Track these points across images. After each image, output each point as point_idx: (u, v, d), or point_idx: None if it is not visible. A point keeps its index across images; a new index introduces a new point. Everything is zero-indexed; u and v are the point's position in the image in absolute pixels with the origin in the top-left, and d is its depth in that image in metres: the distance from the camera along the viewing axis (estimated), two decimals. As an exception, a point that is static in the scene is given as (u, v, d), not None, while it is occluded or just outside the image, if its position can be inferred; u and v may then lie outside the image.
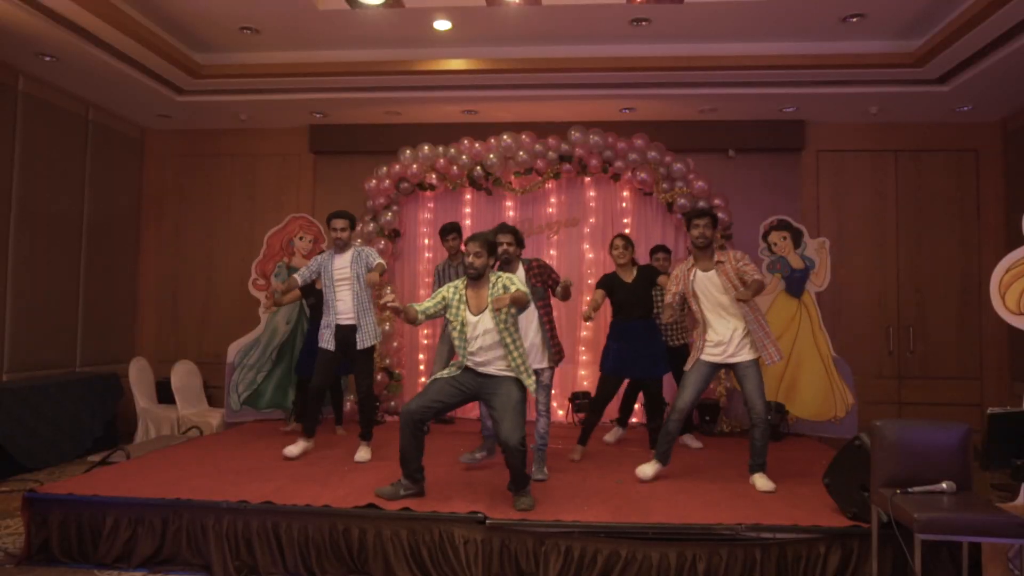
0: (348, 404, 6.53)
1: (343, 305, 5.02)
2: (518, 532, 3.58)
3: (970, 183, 7.21)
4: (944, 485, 3.11)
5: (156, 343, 7.76)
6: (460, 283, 4.03)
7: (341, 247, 5.07)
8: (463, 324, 3.93)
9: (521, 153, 6.85)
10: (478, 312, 3.90)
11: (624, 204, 7.23)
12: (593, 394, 5.49)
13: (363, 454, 5.03)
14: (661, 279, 5.09)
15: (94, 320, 7.03)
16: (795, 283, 6.43)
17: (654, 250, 6.08)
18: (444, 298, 4.00)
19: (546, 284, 4.68)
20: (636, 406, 6.12)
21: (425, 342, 7.29)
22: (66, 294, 6.70)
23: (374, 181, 7.07)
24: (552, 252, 7.23)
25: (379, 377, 6.92)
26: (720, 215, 6.72)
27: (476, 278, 3.95)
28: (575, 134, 6.80)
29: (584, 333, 7.08)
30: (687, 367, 4.52)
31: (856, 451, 3.61)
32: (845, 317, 7.18)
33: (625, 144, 6.82)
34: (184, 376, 7.01)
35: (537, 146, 6.86)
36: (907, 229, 7.25)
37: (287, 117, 7.39)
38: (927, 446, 3.22)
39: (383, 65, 6.20)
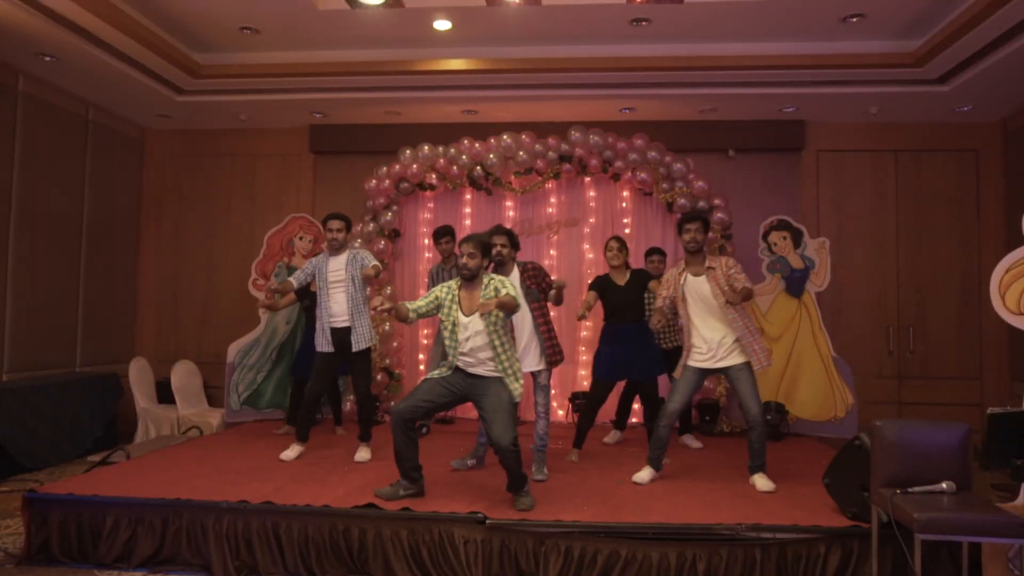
0: (348, 404, 6.54)
1: (337, 307, 5.00)
2: (518, 532, 3.58)
3: (970, 183, 7.21)
4: (944, 485, 3.11)
5: (156, 343, 7.76)
6: (454, 283, 4.03)
7: (336, 248, 5.05)
8: (454, 324, 3.94)
9: (521, 153, 6.85)
10: (470, 313, 3.90)
11: (624, 204, 7.23)
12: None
13: (363, 454, 5.03)
14: (652, 284, 5.08)
15: (94, 320, 7.03)
16: (795, 283, 6.43)
17: (649, 252, 6.08)
18: (437, 297, 4.00)
19: (540, 287, 4.67)
20: (635, 406, 6.12)
21: (425, 342, 7.29)
22: (66, 294, 6.70)
23: (374, 181, 7.07)
24: (552, 252, 7.23)
25: (379, 377, 6.92)
26: (720, 215, 6.73)
27: (470, 279, 3.95)
28: (575, 134, 6.80)
29: (584, 333, 7.07)
30: (676, 373, 4.53)
31: (856, 451, 3.61)
32: (845, 317, 7.18)
33: (625, 144, 6.82)
34: (184, 376, 7.01)
35: (537, 146, 6.86)
36: (907, 229, 7.25)
37: (287, 117, 7.39)
38: (927, 446, 3.22)
39: (383, 65, 6.20)
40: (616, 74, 6.19)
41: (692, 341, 4.43)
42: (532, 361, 4.57)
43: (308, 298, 5.79)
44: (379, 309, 3.93)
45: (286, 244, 7.13)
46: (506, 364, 3.90)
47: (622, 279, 5.20)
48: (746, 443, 4.46)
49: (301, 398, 5.41)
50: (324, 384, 5.09)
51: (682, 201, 6.70)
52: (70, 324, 6.76)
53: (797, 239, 6.50)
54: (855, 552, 3.48)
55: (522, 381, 3.96)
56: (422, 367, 7.24)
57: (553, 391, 7.04)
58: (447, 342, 3.97)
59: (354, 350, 5.01)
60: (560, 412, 7.01)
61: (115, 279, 7.42)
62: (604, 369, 5.18)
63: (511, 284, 3.91)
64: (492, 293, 3.87)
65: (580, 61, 6.10)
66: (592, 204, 7.25)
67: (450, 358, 3.96)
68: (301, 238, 7.11)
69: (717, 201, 6.76)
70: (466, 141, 6.97)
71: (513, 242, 4.58)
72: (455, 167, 6.99)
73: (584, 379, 6.99)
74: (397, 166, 7.03)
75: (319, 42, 6.10)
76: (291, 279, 5.05)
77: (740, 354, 4.35)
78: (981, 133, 7.17)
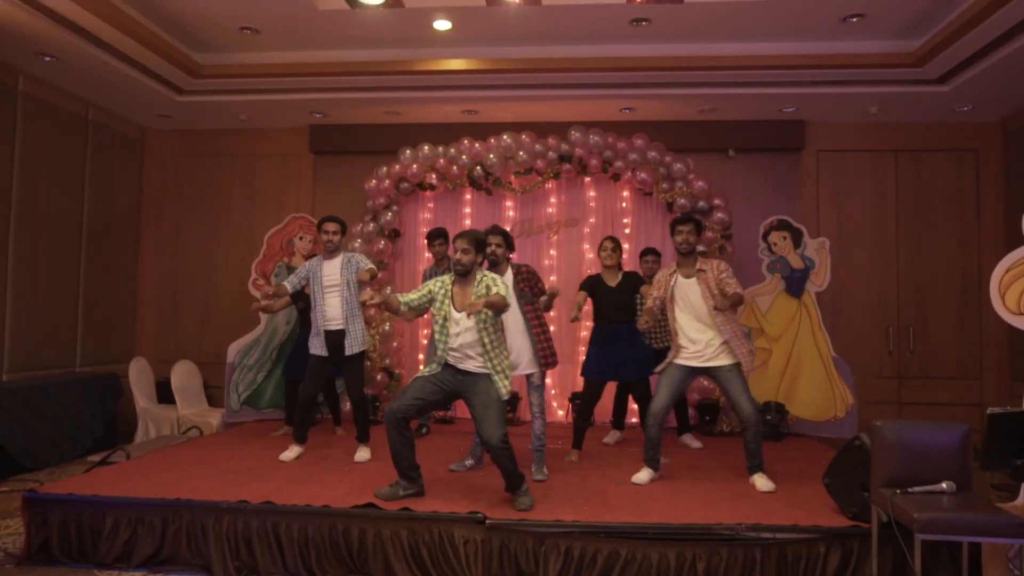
0: (347, 405, 6.53)
1: (332, 311, 5.00)
2: (518, 532, 3.58)
3: (970, 183, 7.21)
4: (944, 485, 3.10)
5: (156, 343, 7.76)
6: (447, 278, 4.04)
7: (331, 251, 5.05)
8: (445, 319, 3.95)
9: (521, 153, 6.85)
10: (462, 309, 3.90)
11: (624, 204, 7.23)
12: None
13: (363, 454, 5.04)
14: (644, 289, 5.09)
15: (94, 320, 7.03)
16: (795, 283, 6.43)
17: (644, 252, 6.09)
18: (430, 291, 4.01)
19: (533, 290, 4.68)
20: (633, 405, 6.12)
21: (424, 342, 7.28)
22: (66, 294, 6.70)
23: (374, 181, 7.07)
24: (552, 252, 7.23)
25: (379, 377, 6.93)
26: (720, 215, 6.73)
27: (463, 275, 3.96)
28: (575, 134, 6.80)
29: (584, 333, 7.06)
30: (658, 369, 4.54)
31: (856, 451, 3.61)
32: (845, 317, 7.18)
33: (625, 144, 6.82)
34: (184, 376, 7.01)
35: (537, 146, 6.86)
36: (907, 229, 7.25)
37: (287, 117, 7.39)
38: (927, 446, 3.22)
39: (383, 65, 6.20)
40: (616, 74, 6.19)
41: (679, 342, 4.44)
42: (524, 362, 4.57)
43: (303, 300, 5.79)
44: (369, 303, 3.95)
45: (286, 244, 7.13)
46: (495, 361, 3.90)
47: (613, 280, 5.21)
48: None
49: (296, 399, 5.41)
50: (317, 386, 5.08)
51: (682, 201, 6.70)
52: (70, 324, 6.76)
53: (797, 239, 6.50)
54: (855, 552, 3.48)
55: (511, 379, 3.97)
56: (422, 367, 7.22)
57: (553, 391, 7.09)
58: (437, 336, 3.98)
59: (347, 353, 5.00)
60: (560, 412, 7.02)
61: (115, 279, 7.42)
62: (593, 369, 5.18)
63: (503, 282, 3.92)
64: (483, 291, 3.88)
65: (580, 61, 6.10)
66: (592, 204, 7.25)
67: (439, 352, 3.97)
68: (301, 238, 7.11)
69: (717, 201, 6.76)
70: (466, 141, 6.97)
71: (508, 242, 4.61)
72: (455, 167, 6.99)
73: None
74: (397, 166, 7.03)
75: (319, 42, 6.10)
76: (285, 283, 5.04)
77: (728, 355, 4.35)
78: (981, 133, 7.17)
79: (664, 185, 6.84)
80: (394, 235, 7.21)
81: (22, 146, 6.10)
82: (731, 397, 4.37)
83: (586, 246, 7.19)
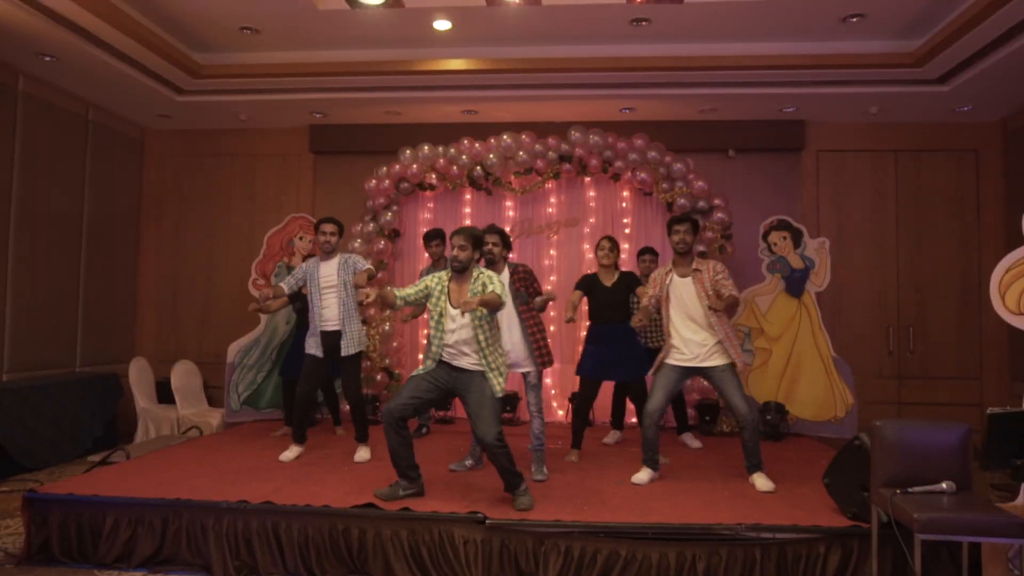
0: (346, 405, 6.53)
1: (329, 312, 5.00)
2: (518, 532, 3.58)
3: (970, 183, 7.21)
4: (944, 485, 3.10)
5: (156, 343, 7.76)
6: (444, 274, 4.05)
7: (328, 252, 5.05)
8: (441, 315, 3.96)
9: (521, 153, 6.85)
10: (457, 306, 3.91)
11: (624, 204, 7.23)
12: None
13: (362, 454, 5.04)
14: (639, 290, 5.09)
15: (94, 320, 7.03)
16: (795, 283, 6.43)
17: (641, 252, 6.09)
18: (427, 286, 4.02)
19: (529, 290, 4.68)
20: (631, 405, 6.12)
21: (424, 342, 7.26)
22: (66, 294, 6.70)
23: (374, 181, 7.07)
24: (552, 252, 7.23)
25: (379, 377, 6.93)
26: (720, 215, 6.73)
27: (460, 271, 3.96)
28: (575, 134, 6.80)
29: (583, 333, 7.05)
30: (652, 370, 4.54)
31: (856, 451, 3.61)
32: (845, 317, 7.18)
33: (625, 144, 6.82)
34: (184, 376, 7.01)
35: (537, 146, 6.86)
36: (907, 229, 7.25)
37: (287, 117, 7.39)
38: (927, 446, 3.22)
39: (383, 65, 6.20)
40: (616, 74, 6.19)
41: (672, 341, 4.44)
42: (519, 361, 4.58)
43: (300, 301, 5.78)
44: (366, 301, 3.95)
45: (286, 244, 7.13)
46: (489, 359, 3.91)
47: (609, 279, 5.21)
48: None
49: (293, 399, 5.41)
50: (313, 386, 5.07)
51: (682, 201, 6.70)
52: (70, 324, 6.76)
53: (797, 239, 6.50)
54: (855, 552, 3.48)
55: (505, 376, 3.97)
56: (421, 367, 7.23)
57: (553, 391, 7.09)
58: (432, 332, 3.99)
59: (343, 354, 5.00)
60: (560, 412, 7.02)
61: (115, 279, 7.42)
62: (587, 368, 5.18)
63: (499, 280, 3.92)
64: (480, 288, 3.89)
65: (580, 61, 6.10)
66: (592, 204, 7.25)
67: (434, 348, 3.97)
68: (301, 238, 7.11)
69: (717, 201, 6.76)
70: (466, 141, 6.97)
71: (505, 242, 4.62)
72: (455, 167, 6.99)
73: (584, 379, 6.99)
74: (397, 166, 7.04)
75: (319, 42, 6.10)
76: (282, 284, 5.02)
77: (722, 355, 4.35)
78: (981, 133, 7.17)
79: (664, 185, 6.84)
80: (394, 235, 7.21)
81: (22, 146, 6.10)
82: (726, 397, 4.38)
83: (586, 246, 7.19)
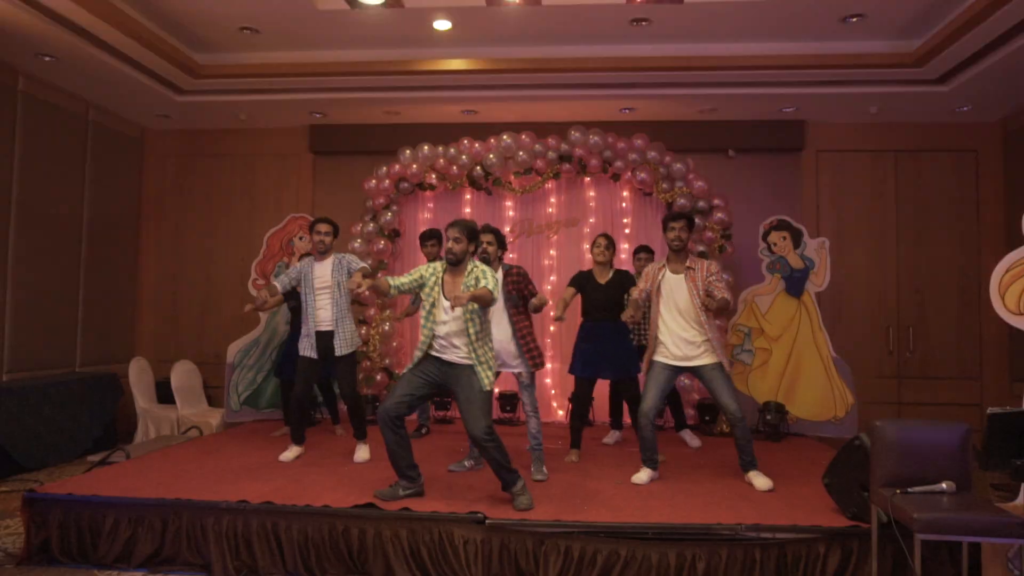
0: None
1: (323, 313, 4.99)
2: (518, 532, 3.58)
3: (970, 183, 7.21)
4: (944, 485, 3.11)
5: (156, 343, 7.76)
6: (439, 265, 4.05)
7: (322, 252, 5.04)
8: (433, 305, 3.96)
9: (521, 153, 6.85)
10: (449, 299, 3.90)
11: (624, 204, 7.23)
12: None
13: (362, 454, 5.03)
14: (633, 290, 5.09)
15: (94, 320, 7.03)
16: (795, 283, 6.43)
17: (637, 250, 6.09)
18: (422, 276, 4.02)
19: (521, 293, 4.68)
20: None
21: (425, 342, 7.28)
22: (66, 294, 6.70)
23: (374, 181, 7.07)
24: (552, 252, 7.23)
25: (379, 377, 6.93)
26: (720, 215, 6.73)
27: (455, 263, 3.96)
28: (575, 134, 6.80)
29: (584, 333, 7.07)
30: (643, 366, 4.55)
31: (856, 451, 3.61)
32: (845, 317, 7.19)
33: (625, 144, 6.82)
34: (184, 376, 7.01)
35: (537, 146, 6.86)
36: (907, 229, 7.25)
37: (287, 117, 7.39)
38: (927, 446, 3.22)
39: (383, 65, 6.20)
40: (616, 74, 6.19)
41: (659, 337, 4.44)
42: (509, 361, 4.59)
43: (295, 299, 5.79)
44: (358, 291, 3.95)
45: (286, 244, 7.13)
46: (479, 353, 3.91)
47: (604, 277, 5.21)
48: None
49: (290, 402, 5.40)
50: (308, 387, 5.06)
51: (682, 201, 6.70)
52: (70, 324, 6.76)
53: (797, 239, 6.50)
54: (855, 552, 3.48)
55: (494, 370, 3.97)
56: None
57: (553, 391, 7.09)
58: (423, 322, 3.99)
59: (337, 354, 4.99)
60: (560, 413, 7.01)
61: (115, 279, 7.42)
62: (578, 366, 5.18)
63: (492, 275, 3.93)
64: (473, 282, 3.90)
65: (580, 61, 6.10)
66: (592, 204, 7.25)
67: (423, 337, 3.97)
68: (301, 238, 7.11)
69: (717, 201, 6.76)
70: (466, 141, 6.97)
71: (500, 241, 4.63)
72: (455, 167, 7.00)
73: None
74: (397, 166, 7.04)
75: (319, 42, 6.10)
76: (275, 283, 5.03)
77: (711, 354, 4.36)
78: (981, 133, 7.17)
79: (664, 185, 6.84)
80: (394, 235, 7.21)
81: (22, 146, 6.10)
82: (715, 396, 4.38)
83: (586, 246, 7.17)
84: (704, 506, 3.91)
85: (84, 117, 6.91)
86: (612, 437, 5.91)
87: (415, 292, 4.09)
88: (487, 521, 3.62)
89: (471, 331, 3.89)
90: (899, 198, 7.28)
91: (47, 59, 5.81)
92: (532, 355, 4.60)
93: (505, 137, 6.87)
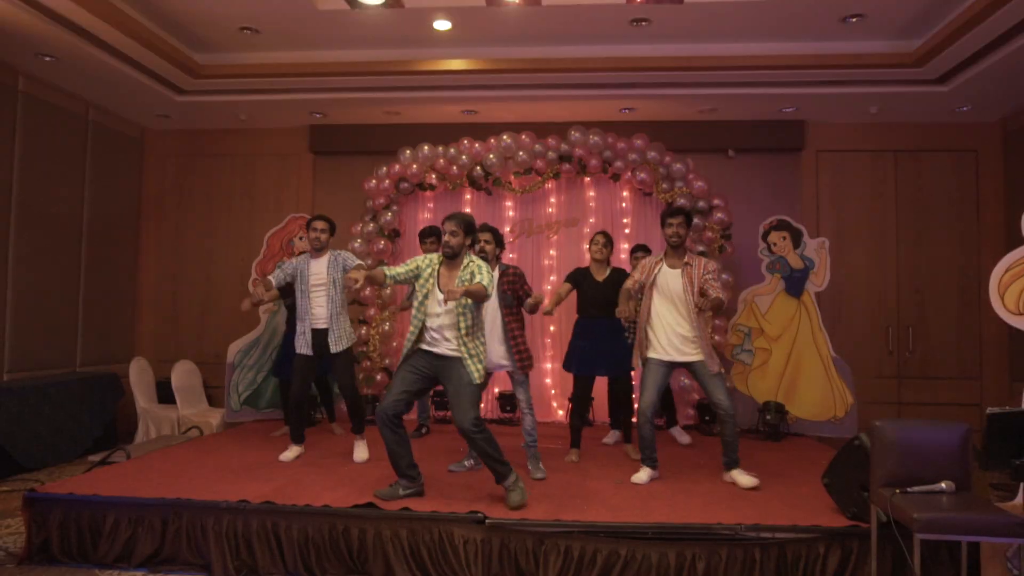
0: (343, 403, 6.53)
1: (319, 310, 5.00)
2: (518, 532, 3.58)
3: (970, 183, 7.21)
4: (943, 485, 3.11)
5: (156, 343, 7.76)
6: (436, 257, 4.05)
7: (318, 249, 5.05)
8: (427, 296, 3.96)
9: (521, 153, 6.85)
10: (443, 293, 3.91)
11: (624, 204, 7.23)
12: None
13: (362, 453, 5.04)
14: (627, 280, 5.09)
15: (94, 320, 7.03)
16: (795, 283, 6.43)
17: (635, 249, 6.09)
18: (418, 267, 4.02)
19: (516, 294, 4.68)
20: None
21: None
22: (66, 294, 6.70)
23: (374, 181, 7.07)
24: (552, 252, 7.23)
25: (379, 377, 6.93)
26: (720, 215, 6.73)
27: (452, 257, 3.97)
28: (575, 134, 6.80)
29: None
30: (635, 362, 4.56)
31: (856, 451, 3.61)
32: (845, 317, 7.19)
33: (625, 144, 6.82)
34: (184, 376, 7.01)
35: (537, 146, 6.86)
36: (907, 229, 7.25)
37: (287, 117, 7.39)
38: (927, 446, 3.22)
39: (383, 65, 6.20)
40: (616, 74, 6.19)
41: (652, 332, 4.44)
42: (500, 360, 4.60)
43: (291, 296, 5.79)
44: (354, 287, 3.95)
45: (286, 244, 7.13)
46: (469, 346, 3.92)
47: (601, 275, 5.22)
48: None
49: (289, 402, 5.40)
50: (306, 385, 5.07)
51: (682, 201, 6.69)
52: (70, 324, 6.76)
53: (797, 239, 6.50)
54: (855, 552, 3.48)
55: (484, 364, 3.97)
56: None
57: (553, 391, 7.09)
58: (416, 312, 3.99)
59: (332, 351, 5.00)
60: (560, 412, 7.01)
61: (115, 279, 7.42)
62: (574, 364, 5.19)
63: (488, 271, 3.93)
64: (468, 277, 3.91)
65: (580, 61, 6.10)
66: (592, 204, 7.25)
67: (412, 328, 3.98)
68: (301, 238, 7.11)
69: (717, 201, 6.76)
70: (466, 141, 6.97)
71: (497, 240, 4.65)
72: (455, 167, 7.00)
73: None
74: (397, 166, 7.04)
75: (319, 42, 6.10)
76: (270, 278, 5.04)
77: (703, 351, 4.37)
78: (981, 133, 7.17)
79: (664, 185, 6.84)
80: (394, 235, 7.21)
81: (22, 146, 6.10)
82: (707, 391, 4.40)
83: (586, 246, 7.14)
84: (704, 506, 3.92)
85: (84, 117, 6.91)
86: (612, 437, 5.91)
87: (410, 282, 4.09)
88: (487, 521, 3.62)
89: (463, 325, 3.90)
90: (899, 198, 7.28)
91: (47, 59, 5.81)
92: (521, 357, 4.61)
93: (505, 137, 6.87)
